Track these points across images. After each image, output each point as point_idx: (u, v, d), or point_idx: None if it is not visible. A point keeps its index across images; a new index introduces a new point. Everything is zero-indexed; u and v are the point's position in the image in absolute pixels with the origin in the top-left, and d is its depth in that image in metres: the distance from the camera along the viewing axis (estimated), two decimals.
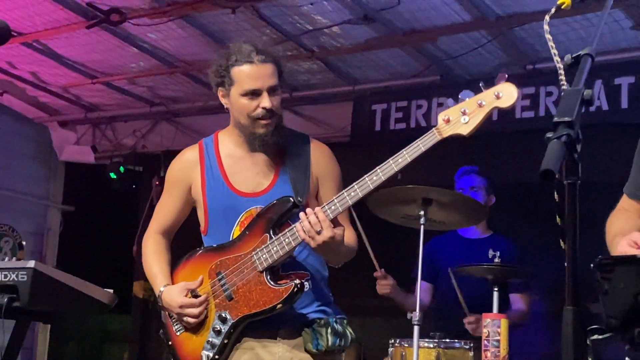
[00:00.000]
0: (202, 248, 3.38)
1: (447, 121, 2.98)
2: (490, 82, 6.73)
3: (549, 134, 1.79)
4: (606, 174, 5.66)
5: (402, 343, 4.80)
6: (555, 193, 1.82)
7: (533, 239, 5.47)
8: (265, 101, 3.17)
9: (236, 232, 3.27)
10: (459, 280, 5.18)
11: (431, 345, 4.69)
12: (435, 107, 6.50)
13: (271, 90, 3.20)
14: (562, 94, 1.92)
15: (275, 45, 6.26)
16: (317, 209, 3.04)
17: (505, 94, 2.92)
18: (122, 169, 7.94)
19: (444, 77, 6.45)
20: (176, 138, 7.85)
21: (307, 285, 3.14)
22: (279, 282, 3.12)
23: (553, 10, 2.21)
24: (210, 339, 3.21)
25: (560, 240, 1.81)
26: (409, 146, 3.01)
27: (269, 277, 3.13)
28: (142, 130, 8.01)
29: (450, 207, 4.85)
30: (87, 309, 3.74)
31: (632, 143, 5.72)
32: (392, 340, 4.90)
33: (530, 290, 5.45)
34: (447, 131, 2.97)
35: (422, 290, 4.77)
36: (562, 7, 2.21)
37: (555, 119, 1.80)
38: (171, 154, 7.94)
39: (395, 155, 3.01)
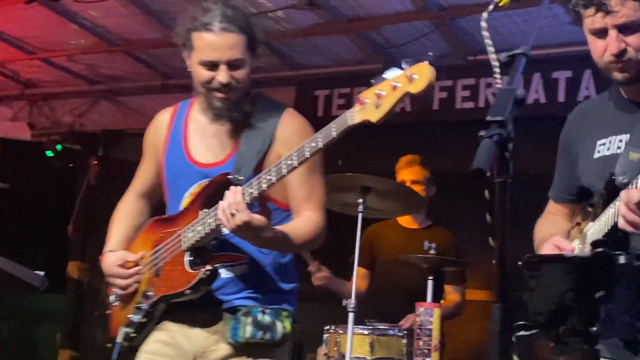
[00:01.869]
0: (158, 217, 3.22)
1: (362, 103, 2.60)
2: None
3: (482, 132, 1.82)
4: (544, 167, 5.75)
5: (337, 330, 4.79)
6: (486, 191, 1.82)
7: (473, 229, 5.54)
8: (222, 75, 2.93)
9: (186, 203, 3.06)
10: (397, 268, 5.26)
11: (365, 332, 4.69)
12: None
13: (232, 63, 2.93)
14: (496, 92, 1.94)
15: None
16: (237, 188, 2.77)
17: (420, 75, 2.50)
18: (59, 147, 7.79)
19: (386, 65, 6.44)
20: (116, 117, 7.76)
21: (231, 271, 2.98)
22: (196, 266, 2.89)
23: (491, 7, 2.23)
24: (131, 316, 3.03)
25: (490, 238, 1.83)
26: (329, 125, 2.67)
27: (189, 259, 2.91)
28: (81, 109, 7.87)
29: (389, 196, 4.91)
30: (15, 291, 3.63)
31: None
32: (327, 327, 4.90)
33: (466, 281, 5.53)
34: (358, 116, 2.60)
35: (358, 276, 4.82)
36: (500, 4, 2.22)
37: (488, 118, 1.81)
38: (110, 134, 7.97)
39: (318, 133, 2.69)
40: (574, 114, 2.78)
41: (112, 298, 3.21)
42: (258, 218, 2.75)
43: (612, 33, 2.38)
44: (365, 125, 2.60)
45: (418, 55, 6.51)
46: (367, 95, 2.59)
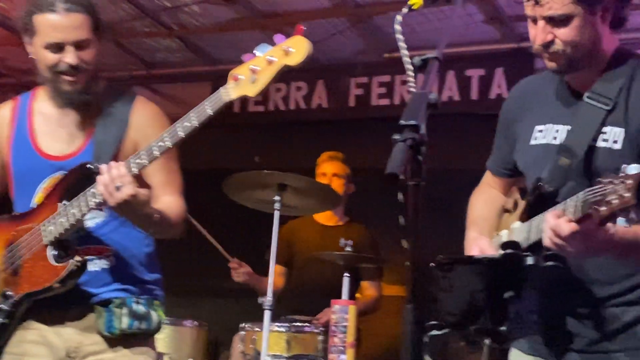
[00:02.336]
0: (6, 215, 3.05)
1: (237, 79, 2.60)
2: (349, 68, 6.81)
3: (396, 136, 1.83)
4: (459, 161, 5.85)
5: (253, 327, 4.77)
6: (399, 194, 1.84)
7: (390, 225, 5.59)
8: (69, 56, 2.83)
9: (38, 199, 2.93)
10: (313, 264, 5.28)
11: (282, 330, 4.69)
12: (294, 90, 6.54)
13: (79, 44, 2.84)
14: (410, 96, 1.95)
15: (133, 21, 6.18)
16: (119, 162, 2.68)
17: (296, 49, 2.56)
18: None
19: (303, 61, 6.44)
20: None
21: (98, 263, 2.89)
22: (62, 259, 2.78)
23: (405, 10, 2.24)
24: None
25: (402, 239, 1.84)
26: (203, 102, 2.64)
27: (53, 253, 2.80)
28: None
29: (305, 193, 4.89)
30: None
31: (481, 132, 5.92)
32: (243, 324, 4.88)
33: (383, 276, 5.55)
34: (234, 92, 2.60)
35: (276, 273, 4.76)
36: (414, 7, 2.24)
37: (401, 122, 1.81)
38: None
39: (191, 111, 2.64)
40: (517, 89, 2.74)
41: None
42: (144, 191, 2.70)
43: (540, 24, 2.38)
44: (248, 100, 2.59)
45: (336, 51, 6.51)
46: (241, 72, 2.60)
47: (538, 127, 2.52)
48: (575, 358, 2.34)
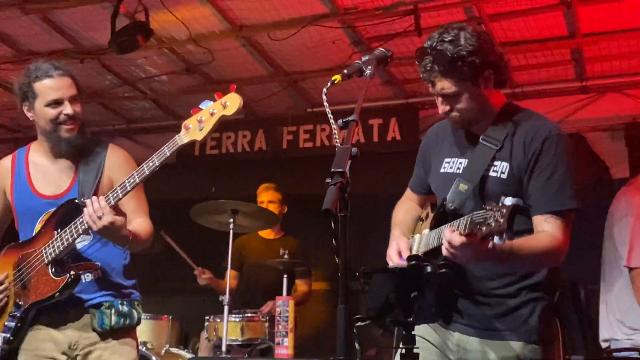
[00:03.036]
0: (12, 243, 3.01)
1: (188, 128, 2.65)
2: (282, 120, 6.77)
3: (328, 180, 1.83)
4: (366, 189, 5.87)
5: (215, 319, 4.76)
6: (332, 222, 1.81)
7: (318, 236, 5.57)
8: (67, 108, 2.86)
9: (38, 228, 2.92)
10: (259, 269, 5.22)
11: (237, 319, 4.66)
12: (240, 137, 6.52)
13: (72, 99, 2.88)
14: (337, 150, 1.93)
15: (116, 88, 6.08)
16: (100, 197, 2.69)
17: (231, 102, 2.62)
18: None
19: (247, 115, 6.44)
20: None
21: (88, 275, 2.87)
22: (61, 274, 2.79)
23: (329, 84, 2.20)
24: (7, 323, 2.86)
25: (335, 256, 1.82)
26: (163, 147, 2.68)
27: (53, 269, 2.80)
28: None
29: (252, 216, 4.95)
30: None
31: (381, 167, 5.94)
32: (207, 317, 4.85)
33: (311, 275, 5.52)
34: (186, 138, 2.65)
35: (231, 277, 4.83)
36: (335, 82, 2.22)
37: (332, 170, 1.84)
38: None
39: (154, 154, 2.67)
40: (432, 131, 2.71)
41: None
42: (119, 218, 2.71)
43: (439, 99, 2.39)
44: (191, 144, 2.68)
45: (272, 107, 6.45)
46: (191, 122, 2.65)
47: (446, 159, 2.52)
48: (462, 323, 2.36)
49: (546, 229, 2.25)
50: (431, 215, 2.47)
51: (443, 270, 1.98)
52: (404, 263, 2.17)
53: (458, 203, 2.31)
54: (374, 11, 4.77)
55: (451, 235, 2.07)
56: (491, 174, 2.34)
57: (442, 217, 2.34)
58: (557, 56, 5.34)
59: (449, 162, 2.50)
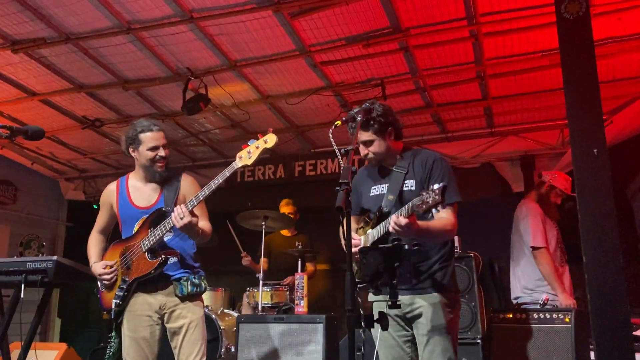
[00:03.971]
0: (119, 239, 2.98)
1: (241, 157, 2.69)
2: (294, 157, 6.70)
3: (337, 187, 1.83)
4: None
5: (253, 289, 4.70)
6: (340, 216, 1.81)
7: (320, 234, 5.54)
8: (161, 152, 2.89)
9: (136, 229, 2.90)
10: (282, 256, 5.13)
11: (268, 289, 4.60)
12: (267, 169, 6.41)
13: (164, 146, 2.91)
14: (342, 168, 1.94)
15: (185, 138, 6.06)
16: (181, 205, 2.71)
17: (270, 139, 2.67)
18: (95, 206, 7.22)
19: (271, 154, 6.34)
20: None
21: (172, 259, 2.83)
22: (154, 257, 2.79)
23: (333, 127, 2.25)
24: (118, 293, 2.85)
25: (342, 237, 1.80)
26: (224, 170, 2.71)
27: (148, 255, 2.79)
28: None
29: (277, 221, 4.92)
30: (82, 279, 3.34)
31: None
32: (248, 288, 4.79)
33: (316, 260, 5.46)
34: (240, 163, 2.68)
35: (264, 262, 4.84)
36: (337, 125, 2.24)
37: (340, 180, 1.85)
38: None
39: (219, 174, 2.71)
40: (359, 172, 2.72)
41: (100, 286, 2.97)
42: (195, 219, 2.71)
43: (361, 146, 2.49)
44: (245, 167, 2.70)
45: (286, 149, 6.41)
46: (242, 153, 2.69)
47: (373, 187, 2.56)
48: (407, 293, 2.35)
49: (443, 216, 2.31)
50: (369, 222, 2.48)
51: (416, 247, 1.97)
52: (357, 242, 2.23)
53: (389, 208, 2.37)
54: (355, 84, 4.81)
55: (397, 218, 2.10)
56: (404, 188, 2.43)
57: (379, 219, 2.39)
58: (475, 112, 5.38)
59: (375, 188, 2.55)
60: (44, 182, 7.00)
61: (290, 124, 5.68)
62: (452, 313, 2.33)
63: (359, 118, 2.28)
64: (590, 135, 2.46)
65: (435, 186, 1.95)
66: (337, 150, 2.08)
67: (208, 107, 4.89)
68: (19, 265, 3.18)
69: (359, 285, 1.92)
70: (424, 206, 1.95)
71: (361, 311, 1.75)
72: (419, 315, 2.31)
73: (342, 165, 2.00)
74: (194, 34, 4.14)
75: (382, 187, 2.50)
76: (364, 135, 2.43)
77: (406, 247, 1.92)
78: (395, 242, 1.93)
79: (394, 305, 1.90)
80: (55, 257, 3.25)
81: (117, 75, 4.72)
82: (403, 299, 2.32)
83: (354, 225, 2.65)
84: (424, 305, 2.31)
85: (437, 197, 1.92)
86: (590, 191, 2.36)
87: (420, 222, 2.14)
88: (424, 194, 1.98)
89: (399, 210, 2.17)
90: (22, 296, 3.07)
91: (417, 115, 5.37)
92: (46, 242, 6.91)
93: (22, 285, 3.06)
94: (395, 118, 2.49)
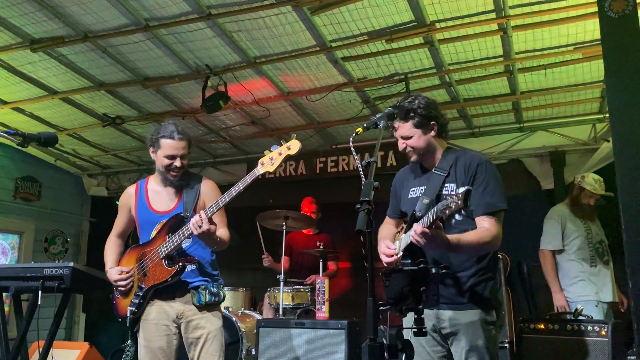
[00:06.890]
0: (136, 244, 2.91)
1: (263, 164, 2.60)
2: (315, 154, 6.58)
3: (358, 206, 1.69)
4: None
5: (274, 290, 4.60)
6: (361, 237, 1.67)
7: (341, 232, 5.43)
8: (177, 162, 2.77)
9: (154, 234, 2.81)
10: (303, 255, 5.04)
11: (289, 290, 4.51)
12: (288, 165, 6.31)
13: (182, 157, 2.78)
14: (363, 184, 1.79)
15: (206, 135, 5.99)
16: (201, 212, 2.61)
17: (293, 146, 2.60)
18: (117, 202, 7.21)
19: (297, 152, 6.25)
20: None
21: (190, 266, 2.74)
22: (172, 265, 2.69)
23: (354, 134, 2.11)
24: (133, 300, 2.78)
25: (364, 260, 1.66)
26: (245, 176, 2.60)
27: (166, 262, 2.70)
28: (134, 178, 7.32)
29: (298, 220, 4.82)
30: (99, 286, 3.28)
31: (382, 183, 5.69)
32: (269, 288, 4.70)
33: (338, 258, 5.35)
34: (262, 170, 2.59)
35: (285, 261, 4.71)
36: (358, 133, 2.09)
37: (361, 199, 1.72)
38: None
39: (239, 181, 2.59)
40: (399, 172, 2.61)
41: (116, 292, 2.88)
42: (213, 227, 2.61)
43: (400, 140, 2.34)
44: (267, 173, 2.61)
45: (307, 146, 6.27)
46: (265, 160, 2.61)
47: (412, 189, 2.42)
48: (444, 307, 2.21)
49: (484, 226, 2.14)
50: (404, 228, 2.35)
51: (443, 271, 1.81)
52: (393, 252, 2.04)
53: (423, 211, 2.19)
54: (377, 80, 4.64)
55: (415, 226, 1.97)
56: (443, 192, 2.26)
57: (412, 224, 2.20)
58: (503, 107, 5.15)
59: (414, 190, 2.40)
60: (68, 179, 7.04)
61: (311, 121, 5.54)
62: (493, 330, 2.16)
63: (381, 125, 2.12)
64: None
65: (460, 190, 1.80)
66: (357, 160, 1.92)
67: (228, 105, 4.79)
68: (36, 271, 3.14)
69: (381, 308, 1.78)
70: (447, 212, 1.80)
71: (384, 340, 1.60)
72: (456, 332, 2.15)
73: (363, 179, 1.84)
74: (212, 30, 4.01)
75: (420, 190, 2.35)
76: (403, 128, 2.27)
77: (433, 270, 1.77)
78: (422, 265, 1.78)
79: (420, 332, 1.75)
80: (71, 264, 3.21)
81: (136, 73, 4.64)
82: (439, 313, 2.18)
83: (393, 230, 2.53)
84: (461, 322, 2.16)
85: (459, 202, 1.75)
86: (636, 210, 2.16)
87: (450, 236, 1.96)
88: (448, 198, 1.82)
89: (425, 216, 2.01)
90: (39, 302, 3.02)
91: (442, 111, 5.18)
92: (70, 238, 6.95)
93: (40, 292, 3.01)
94: (439, 113, 2.32)
